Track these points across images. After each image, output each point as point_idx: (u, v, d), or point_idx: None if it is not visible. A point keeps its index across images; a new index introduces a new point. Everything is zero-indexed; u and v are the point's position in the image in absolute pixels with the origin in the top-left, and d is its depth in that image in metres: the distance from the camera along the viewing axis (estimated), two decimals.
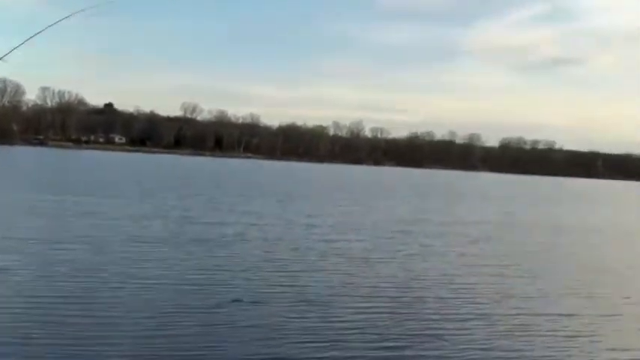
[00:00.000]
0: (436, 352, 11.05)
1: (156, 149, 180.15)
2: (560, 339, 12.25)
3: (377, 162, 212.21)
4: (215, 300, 13.62)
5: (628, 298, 16.84)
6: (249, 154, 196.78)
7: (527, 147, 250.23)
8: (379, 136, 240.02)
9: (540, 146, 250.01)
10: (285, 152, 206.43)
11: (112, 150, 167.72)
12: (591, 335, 12.67)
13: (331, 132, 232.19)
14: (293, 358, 10.40)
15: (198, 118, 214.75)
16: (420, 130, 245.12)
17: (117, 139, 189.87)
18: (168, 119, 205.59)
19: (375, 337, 11.75)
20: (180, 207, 33.17)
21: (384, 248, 22.90)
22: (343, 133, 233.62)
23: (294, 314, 12.97)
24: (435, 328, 12.54)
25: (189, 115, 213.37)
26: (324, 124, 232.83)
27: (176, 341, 10.79)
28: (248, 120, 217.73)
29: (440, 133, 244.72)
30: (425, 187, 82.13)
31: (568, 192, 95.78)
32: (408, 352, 10.98)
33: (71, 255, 17.70)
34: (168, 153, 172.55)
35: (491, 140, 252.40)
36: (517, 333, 12.51)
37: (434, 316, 13.47)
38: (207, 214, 30.47)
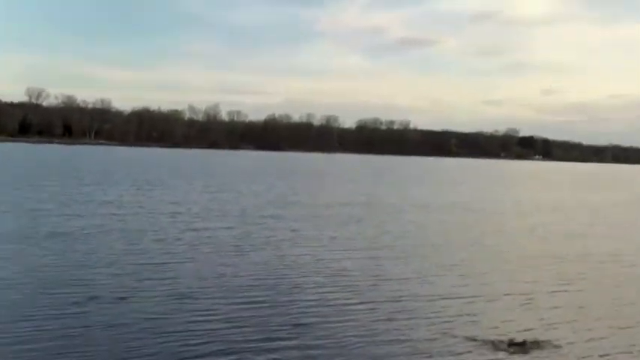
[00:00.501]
0: (318, 341, 10.51)
1: None
2: (440, 320, 11.98)
3: (234, 146, 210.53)
4: (76, 298, 12.39)
5: (503, 274, 16.95)
6: (102, 141, 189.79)
7: (383, 127, 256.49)
8: (236, 119, 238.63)
9: (396, 126, 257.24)
10: (139, 137, 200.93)
11: None
12: (472, 315, 12.47)
13: (187, 116, 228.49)
14: (166, 357, 9.53)
15: (44, 103, 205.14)
16: (278, 112, 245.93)
17: None
18: (12, 105, 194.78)
19: (255, 328, 11.08)
20: (32, 199, 30.92)
21: (254, 235, 22.14)
22: (199, 116, 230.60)
23: (164, 309, 12.05)
24: (315, 316, 12.02)
25: (34, 101, 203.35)
26: (180, 108, 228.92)
27: (33, 348, 9.62)
28: (99, 105, 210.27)
29: (297, 116, 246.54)
30: (287, 170, 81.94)
31: (428, 171, 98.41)
32: (289, 342, 10.39)
33: None
34: (13, 141, 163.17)
35: (348, 122, 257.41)
36: (398, 316, 12.16)
37: (313, 304, 12.94)
38: (62, 206, 28.50)
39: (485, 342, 10.67)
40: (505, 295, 14.42)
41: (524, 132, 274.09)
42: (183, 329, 10.87)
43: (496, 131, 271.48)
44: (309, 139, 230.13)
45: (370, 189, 50.06)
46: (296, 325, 11.33)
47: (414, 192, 48.67)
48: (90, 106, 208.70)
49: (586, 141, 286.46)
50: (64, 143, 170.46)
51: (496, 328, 11.60)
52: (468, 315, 12.44)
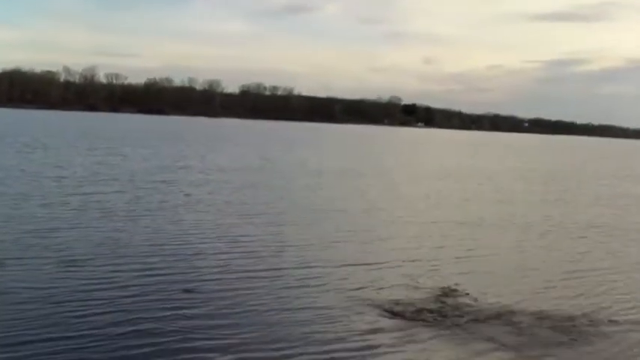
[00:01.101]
0: (221, 310, 9.97)
1: None
2: (346, 287, 11.65)
3: (114, 109, 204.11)
4: None
5: (405, 240, 16.85)
6: None
7: (267, 93, 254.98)
8: (114, 81, 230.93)
9: (280, 92, 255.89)
10: (11, 99, 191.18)
11: None
12: (378, 281, 12.21)
13: (62, 77, 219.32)
14: (58, 328, 8.75)
15: None
16: (157, 76, 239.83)
17: None
18: None
19: (153, 297, 10.44)
20: None
21: (147, 199, 21.22)
22: (75, 78, 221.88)
23: (54, 277, 11.19)
24: (218, 284, 11.47)
25: None
26: (54, 69, 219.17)
27: None
28: None
29: (179, 79, 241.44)
30: (173, 134, 79.79)
31: (316, 137, 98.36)
32: (190, 311, 9.77)
33: None
34: None
35: (232, 86, 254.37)
36: (303, 283, 11.75)
37: (214, 270, 12.37)
38: None
39: (392, 308, 10.40)
40: (410, 261, 14.23)
41: (406, 100, 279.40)
42: (76, 298, 10.07)
43: (379, 98, 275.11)
44: (192, 104, 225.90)
45: (260, 153, 49.38)
46: (198, 293, 10.77)
47: (304, 157, 48.33)
48: None
49: (465, 109, 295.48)
50: None
51: (403, 294, 11.35)
52: (374, 281, 12.14)
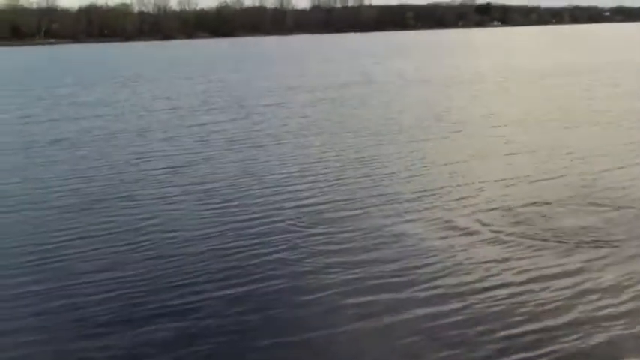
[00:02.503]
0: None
1: None
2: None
3: (189, 35, 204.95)
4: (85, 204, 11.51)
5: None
6: (52, 40, 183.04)
7: (338, 6, 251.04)
8: (187, 8, 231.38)
9: (350, 4, 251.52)
10: (90, 34, 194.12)
11: None
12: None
13: (136, 9, 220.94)
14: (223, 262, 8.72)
15: None
16: None
17: None
18: None
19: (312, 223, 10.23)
20: (12, 104, 29.46)
21: (267, 124, 21.27)
22: (149, 9, 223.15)
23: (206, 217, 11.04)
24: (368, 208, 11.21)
25: None
26: (127, 1, 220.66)
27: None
28: (44, 4, 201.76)
29: (249, 0, 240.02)
30: (256, 55, 79.51)
31: (395, 45, 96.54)
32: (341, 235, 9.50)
33: None
34: None
35: (301, 3, 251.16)
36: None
37: (364, 195, 12.11)
38: (54, 111, 27.11)
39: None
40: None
41: (480, 0, 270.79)
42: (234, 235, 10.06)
43: (452, 1, 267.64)
44: (264, 23, 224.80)
45: (352, 67, 48.82)
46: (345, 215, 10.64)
47: (398, 67, 47.23)
48: (35, 5, 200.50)
49: (544, 3, 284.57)
50: (14, 45, 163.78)
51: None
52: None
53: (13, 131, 21.54)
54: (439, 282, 7.60)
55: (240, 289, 7.60)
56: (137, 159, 16.00)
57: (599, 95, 26.37)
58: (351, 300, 7.18)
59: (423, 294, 7.27)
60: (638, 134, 17.02)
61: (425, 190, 11.81)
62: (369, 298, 7.21)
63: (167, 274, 8.21)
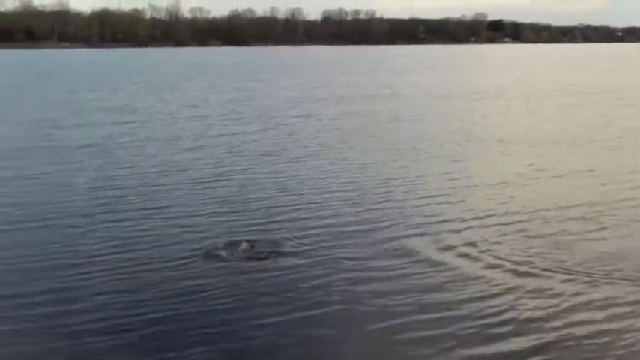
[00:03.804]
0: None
1: None
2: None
3: (201, 42, 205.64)
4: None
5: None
6: (66, 44, 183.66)
7: (349, 18, 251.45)
8: (199, 16, 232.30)
9: (362, 16, 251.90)
10: (103, 39, 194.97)
11: None
12: None
13: (148, 15, 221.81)
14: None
15: (2, 9, 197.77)
16: (241, 7, 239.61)
17: None
18: None
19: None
20: (35, 109, 29.38)
21: (299, 135, 21.22)
22: (161, 15, 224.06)
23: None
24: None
25: None
26: (140, 7, 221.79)
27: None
28: (57, 8, 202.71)
29: (260, 10, 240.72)
30: (272, 65, 79.50)
31: (410, 59, 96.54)
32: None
33: None
34: None
35: (313, 14, 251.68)
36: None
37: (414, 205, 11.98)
38: (79, 115, 27.01)
39: None
40: None
41: (492, 16, 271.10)
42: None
43: (464, 16, 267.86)
44: (275, 33, 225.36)
45: (374, 80, 48.68)
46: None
47: (419, 81, 47.16)
48: (49, 9, 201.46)
49: (555, 22, 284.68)
50: (28, 48, 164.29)
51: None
52: None
53: (40, 136, 21.29)
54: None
55: (284, 316, 7.30)
56: (168, 169, 15.67)
57: (624, 114, 26.21)
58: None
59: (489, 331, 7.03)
60: None
61: (464, 213, 11.40)
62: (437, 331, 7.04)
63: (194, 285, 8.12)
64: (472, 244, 9.64)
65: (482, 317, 7.16)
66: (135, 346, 6.59)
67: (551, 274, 8.43)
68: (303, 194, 12.91)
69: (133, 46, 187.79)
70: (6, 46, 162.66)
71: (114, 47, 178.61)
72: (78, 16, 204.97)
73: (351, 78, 52.49)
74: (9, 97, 35.74)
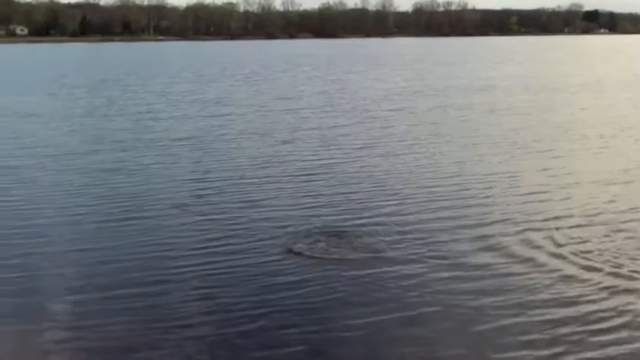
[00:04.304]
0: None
1: (62, 38, 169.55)
2: None
3: (291, 35, 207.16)
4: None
5: None
6: (161, 37, 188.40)
7: (441, 9, 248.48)
8: (290, 8, 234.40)
9: (453, 7, 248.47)
10: (197, 32, 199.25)
11: (15, 42, 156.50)
12: None
13: (241, 8, 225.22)
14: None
15: (102, 3, 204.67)
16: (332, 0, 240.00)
17: (18, 31, 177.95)
18: (70, 6, 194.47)
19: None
20: (135, 100, 30.29)
21: (400, 130, 21.03)
22: (254, 8, 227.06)
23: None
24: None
25: (92, 1, 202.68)
26: (233, 0, 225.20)
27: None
28: (154, 2, 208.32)
29: (352, 2, 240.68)
30: (364, 57, 78.92)
31: (507, 50, 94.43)
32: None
33: None
34: (75, 41, 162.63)
35: (404, 5, 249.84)
36: None
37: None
38: (176, 107, 27.65)
39: None
40: None
41: (588, 6, 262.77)
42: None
43: (559, 7, 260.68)
44: (366, 25, 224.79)
45: (472, 71, 47.82)
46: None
47: (522, 73, 45.94)
48: (146, 3, 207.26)
49: None
50: (125, 41, 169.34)
51: None
52: None
53: (140, 128, 21.91)
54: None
55: (379, 316, 7.29)
56: (263, 162, 15.85)
57: None
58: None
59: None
60: None
61: (566, 212, 11.14)
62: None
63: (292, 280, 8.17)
64: (575, 243, 9.45)
65: (589, 322, 6.97)
66: (233, 343, 6.71)
67: None
68: (398, 189, 12.88)
69: (226, 38, 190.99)
70: (104, 39, 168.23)
71: (207, 40, 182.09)
72: (173, 10, 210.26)
73: (444, 70, 51.87)
74: (114, 89, 36.71)
